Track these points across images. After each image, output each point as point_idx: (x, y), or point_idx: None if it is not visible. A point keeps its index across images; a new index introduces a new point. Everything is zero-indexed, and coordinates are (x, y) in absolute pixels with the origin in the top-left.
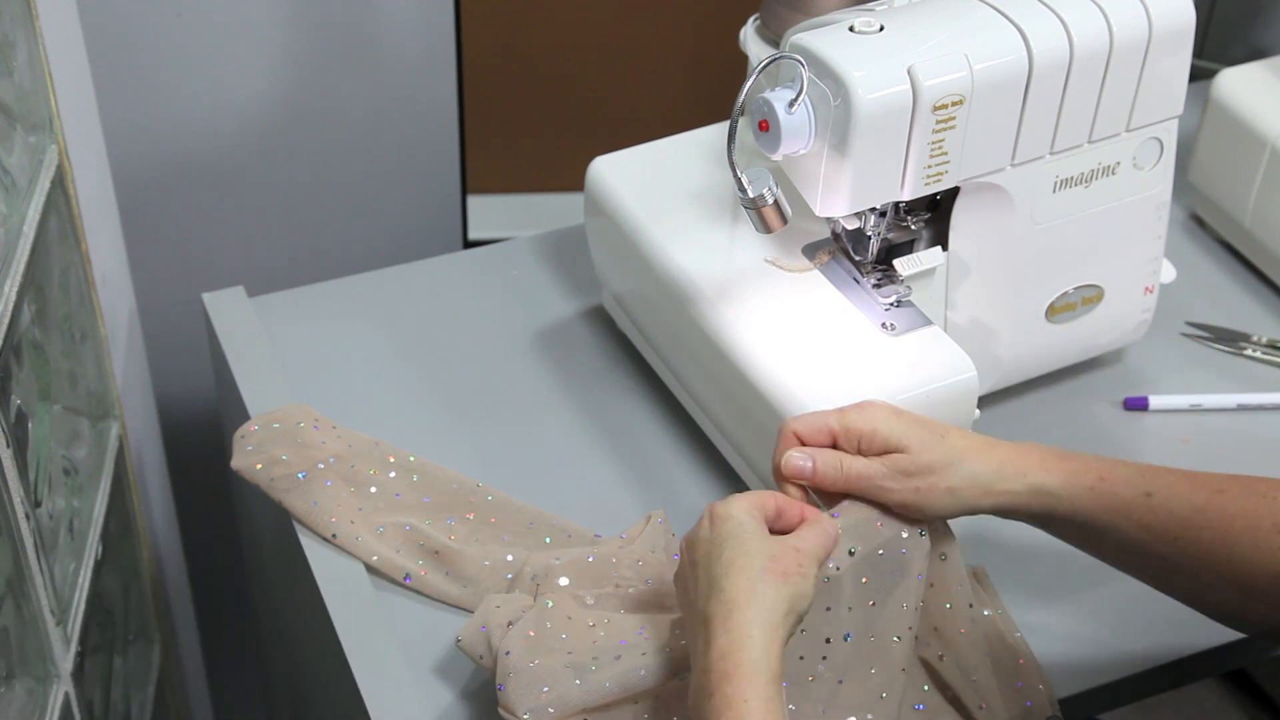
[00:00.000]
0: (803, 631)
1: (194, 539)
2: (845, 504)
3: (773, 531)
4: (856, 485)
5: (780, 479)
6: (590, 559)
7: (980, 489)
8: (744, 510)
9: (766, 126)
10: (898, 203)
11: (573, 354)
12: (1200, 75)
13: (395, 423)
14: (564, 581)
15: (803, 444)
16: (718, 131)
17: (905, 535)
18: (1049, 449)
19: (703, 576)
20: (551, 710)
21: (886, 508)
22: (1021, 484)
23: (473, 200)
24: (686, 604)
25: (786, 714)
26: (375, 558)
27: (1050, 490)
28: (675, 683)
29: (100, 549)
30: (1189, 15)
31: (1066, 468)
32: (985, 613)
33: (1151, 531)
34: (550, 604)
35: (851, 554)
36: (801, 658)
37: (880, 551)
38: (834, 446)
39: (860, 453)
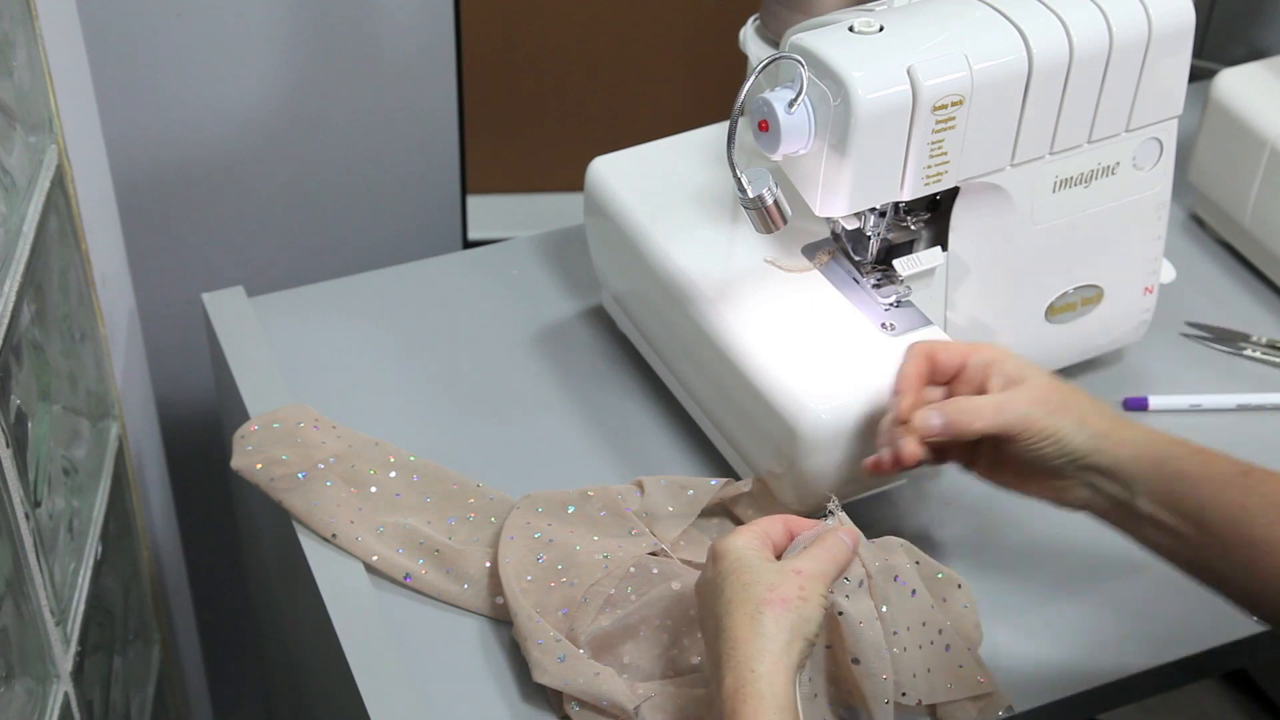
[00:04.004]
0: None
1: (194, 539)
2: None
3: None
4: (1005, 413)
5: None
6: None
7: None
8: (744, 544)
9: (766, 126)
10: (897, 203)
11: (573, 354)
12: (1200, 75)
13: (395, 423)
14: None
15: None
16: (717, 131)
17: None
18: None
19: (710, 618)
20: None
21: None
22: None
23: (472, 200)
24: (706, 647)
25: None
26: (375, 557)
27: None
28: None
29: (100, 549)
30: (1189, 15)
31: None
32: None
33: (1247, 512)
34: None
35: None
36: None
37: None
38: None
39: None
